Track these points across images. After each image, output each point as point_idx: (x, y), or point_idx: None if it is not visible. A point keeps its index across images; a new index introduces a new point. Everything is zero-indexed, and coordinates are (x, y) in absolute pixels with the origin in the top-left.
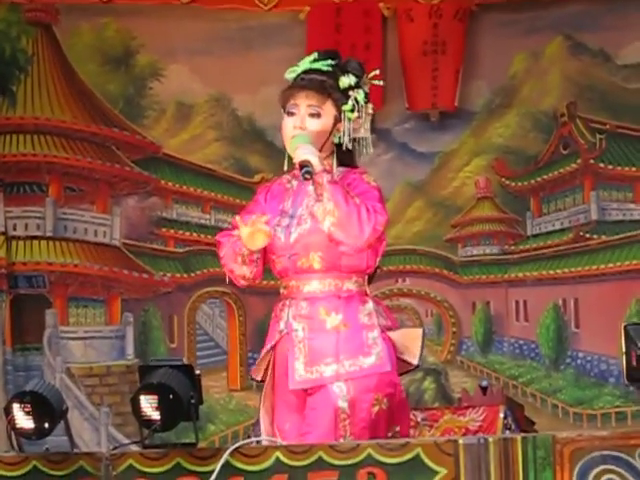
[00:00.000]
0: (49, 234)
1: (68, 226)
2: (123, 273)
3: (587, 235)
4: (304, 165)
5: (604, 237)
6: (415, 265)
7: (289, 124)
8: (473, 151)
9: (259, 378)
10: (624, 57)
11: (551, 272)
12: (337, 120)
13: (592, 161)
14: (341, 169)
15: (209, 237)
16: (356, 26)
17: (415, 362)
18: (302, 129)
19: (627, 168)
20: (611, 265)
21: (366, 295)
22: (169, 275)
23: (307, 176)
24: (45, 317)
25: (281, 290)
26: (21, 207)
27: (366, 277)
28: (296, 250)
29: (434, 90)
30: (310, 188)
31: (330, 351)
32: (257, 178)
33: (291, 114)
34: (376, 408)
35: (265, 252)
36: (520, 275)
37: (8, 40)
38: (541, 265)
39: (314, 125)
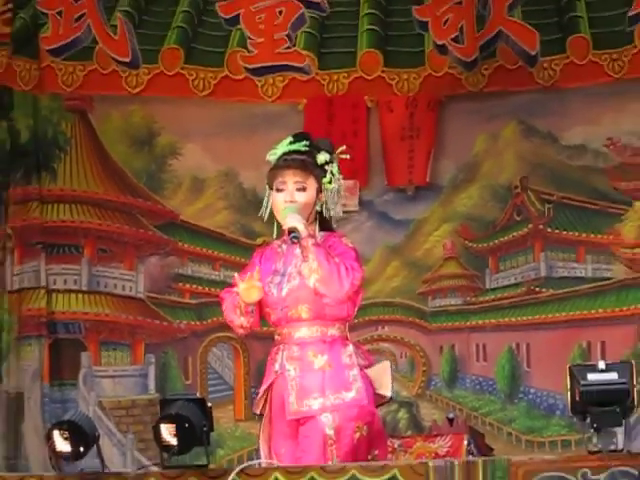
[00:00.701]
0: (84, 288)
1: (100, 281)
2: (146, 321)
3: (537, 289)
4: (292, 231)
5: (552, 291)
6: (392, 315)
7: (280, 199)
8: (441, 218)
9: (259, 412)
10: (568, 139)
11: (506, 320)
12: (319, 191)
13: (541, 226)
14: (323, 233)
15: (219, 290)
16: (345, 116)
17: (389, 394)
18: (292, 202)
19: (571, 233)
20: (558, 315)
21: (347, 339)
22: (185, 322)
23: (295, 240)
24: (81, 358)
25: (275, 337)
26: (61, 265)
27: (347, 324)
28: (287, 303)
29: (410, 168)
30: (297, 251)
31: (317, 387)
32: (259, 241)
33: (280, 190)
34: (357, 435)
35: (260, 306)
36: (480, 322)
37: (50, 124)
38: (498, 314)
39: (302, 197)
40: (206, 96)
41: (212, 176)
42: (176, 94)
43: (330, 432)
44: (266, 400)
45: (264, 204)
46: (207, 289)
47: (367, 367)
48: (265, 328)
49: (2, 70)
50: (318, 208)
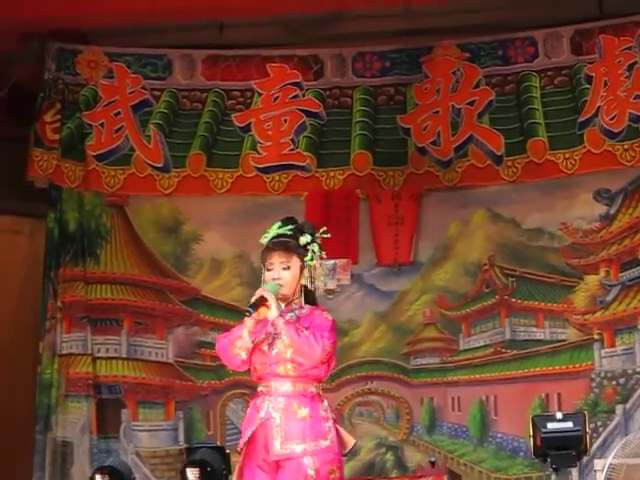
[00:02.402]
0: (124, 355)
1: (137, 349)
2: (175, 382)
3: (503, 350)
4: (254, 304)
5: (515, 351)
6: (380, 372)
7: (269, 276)
8: (422, 290)
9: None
10: (528, 223)
11: (477, 376)
12: (302, 268)
13: (506, 297)
14: (308, 306)
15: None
16: (340, 205)
17: (344, 452)
18: (279, 278)
19: (531, 302)
20: (520, 371)
21: (321, 396)
22: (207, 382)
23: (248, 313)
24: (121, 415)
25: (260, 388)
26: (104, 336)
27: (321, 383)
28: (276, 360)
29: (395, 250)
30: (287, 317)
31: (299, 434)
32: None
33: (269, 270)
34: (332, 476)
35: (250, 361)
36: (455, 378)
37: (93, 217)
38: (470, 371)
39: (286, 275)
40: (224, 193)
41: (228, 258)
42: (200, 193)
43: (311, 472)
44: (248, 441)
45: (262, 279)
46: None
47: (336, 420)
48: None
49: (52, 170)
50: (303, 282)
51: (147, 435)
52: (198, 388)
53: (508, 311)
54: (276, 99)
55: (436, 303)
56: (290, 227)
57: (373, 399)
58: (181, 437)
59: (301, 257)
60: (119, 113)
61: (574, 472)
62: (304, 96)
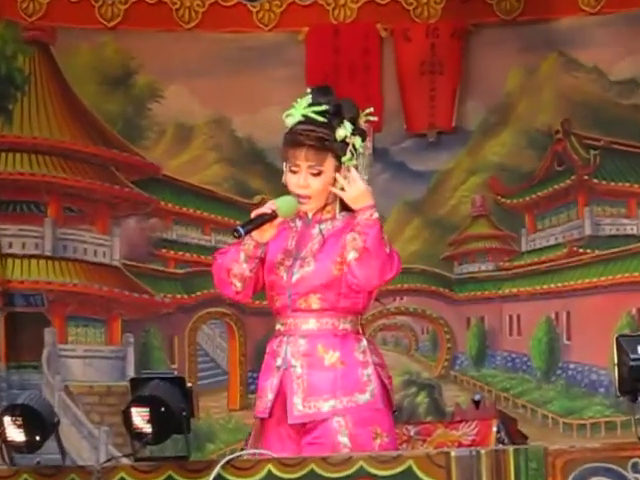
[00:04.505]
0: (48, 253)
1: (68, 246)
2: (123, 294)
3: (580, 250)
4: (254, 221)
5: (597, 251)
6: (412, 284)
7: (292, 181)
8: (469, 170)
9: (260, 415)
10: (617, 73)
11: (544, 287)
12: (338, 168)
13: (586, 177)
14: (344, 213)
15: (210, 258)
16: (354, 47)
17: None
18: (306, 187)
19: (621, 184)
20: (603, 278)
21: (359, 334)
22: (169, 296)
23: (236, 234)
24: (44, 335)
25: (278, 327)
26: (18, 225)
27: (360, 317)
28: (297, 290)
29: (432, 110)
30: (315, 230)
31: (328, 388)
32: (257, 199)
33: (294, 172)
34: (378, 441)
35: (257, 281)
36: (514, 290)
37: (4, 58)
38: (534, 280)
39: (316, 184)
40: (192, 28)
41: (200, 123)
42: (158, 26)
43: (343, 439)
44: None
45: (283, 180)
46: (196, 256)
47: (380, 365)
48: (266, 302)
49: None
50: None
51: (81, 364)
52: (157, 304)
53: (589, 197)
54: None
55: (489, 187)
56: (325, 109)
57: (402, 321)
58: (130, 369)
59: (337, 155)
60: None
61: None
62: None
